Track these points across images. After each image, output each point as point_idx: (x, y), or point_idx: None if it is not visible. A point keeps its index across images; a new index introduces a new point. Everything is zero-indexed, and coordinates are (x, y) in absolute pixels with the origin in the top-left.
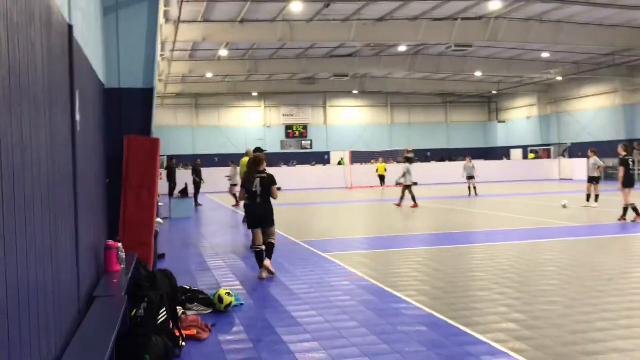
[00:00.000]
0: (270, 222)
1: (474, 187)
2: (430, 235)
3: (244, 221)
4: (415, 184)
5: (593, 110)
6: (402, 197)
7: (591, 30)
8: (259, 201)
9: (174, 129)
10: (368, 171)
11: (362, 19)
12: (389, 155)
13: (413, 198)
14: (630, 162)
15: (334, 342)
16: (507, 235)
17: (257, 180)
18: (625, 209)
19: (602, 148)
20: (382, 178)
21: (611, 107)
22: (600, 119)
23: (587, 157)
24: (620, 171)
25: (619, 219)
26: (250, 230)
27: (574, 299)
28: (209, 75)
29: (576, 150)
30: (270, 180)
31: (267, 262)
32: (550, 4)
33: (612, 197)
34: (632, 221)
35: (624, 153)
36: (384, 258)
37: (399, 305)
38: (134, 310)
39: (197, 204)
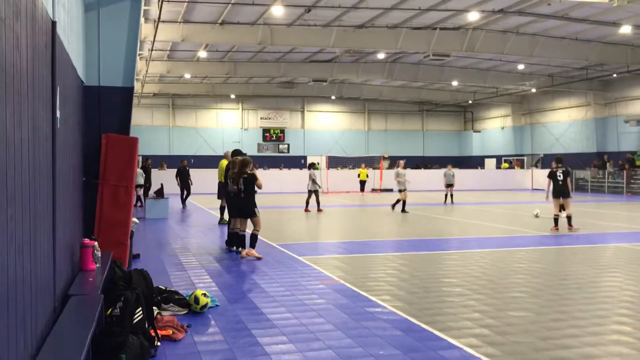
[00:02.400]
0: (253, 213)
1: (451, 195)
2: (406, 241)
3: (220, 223)
4: (319, 189)
5: (566, 123)
6: (308, 202)
7: (566, 44)
8: (243, 196)
9: (151, 129)
10: (345, 176)
11: (343, 26)
12: (366, 162)
13: (319, 203)
14: (560, 175)
15: (310, 345)
16: (481, 243)
17: (242, 179)
18: (556, 220)
19: (574, 160)
20: (363, 184)
21: (583, 120)
22: (573, 132)
23: None
24: (548, 183)
25: (552, 229)
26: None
27: (545, 306)
28: (187, 76)
29: (549, 161)
30: (252, 179)
31: (251, 251)
32: (527, 17)
33: (581, 207)
34: (553, 229)
35: (555, 165)
36: (359, 263)
37: (374, 310)
38: (110, 310)
39: (183, 205)
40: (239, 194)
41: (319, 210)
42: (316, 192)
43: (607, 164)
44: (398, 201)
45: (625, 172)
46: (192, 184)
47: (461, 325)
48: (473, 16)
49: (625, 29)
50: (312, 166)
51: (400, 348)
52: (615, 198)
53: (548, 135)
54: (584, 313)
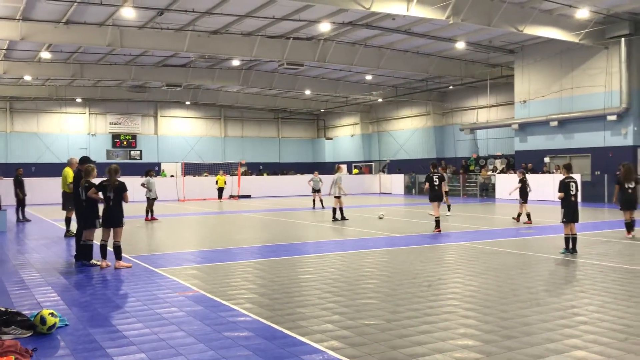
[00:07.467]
0: (121, 222)
1: (321, 200)
2: (266, 247)
3: (66, 236)
4: (155, 199)
5: (409, 131)
6: (147, 212)
7: (409, 58)
8: (111, 204)
9: None
10: (201, 184)
11: (197, 31)
12: (223, 168)
13: (148, 212)
14: (436, 179)
15: None
16: (337, 246)
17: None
18: (437, 222)
19: (417, 166)
20: (221, 191)
21: (424, 128)
22: (415, 139)
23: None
24: (426, 186)
25: (434, 231)
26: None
27: (399, 304)
28: (27, 77)
29: (394, 166)
30: (121, 188)
31: (121, 263)
32: (374, 31)
33: (425, 210)
34: (432, 232)
35: (432, 170)
36: (219, 271)
37: (236, 319)
38: None
39: (24, 219)
40: (107, 202)
41: (150, 219)
42: (152, 200)
43: (447, 169)
44: (340, 209)
45: (461, 176)
46: (25, 194)
47: (323, 329)
48: (324, 27)
49: (460, 45)
50: (148, 173)
51: (264, 356)
52: (453, 200)
53: (393, 143)
54: (434, 309)
